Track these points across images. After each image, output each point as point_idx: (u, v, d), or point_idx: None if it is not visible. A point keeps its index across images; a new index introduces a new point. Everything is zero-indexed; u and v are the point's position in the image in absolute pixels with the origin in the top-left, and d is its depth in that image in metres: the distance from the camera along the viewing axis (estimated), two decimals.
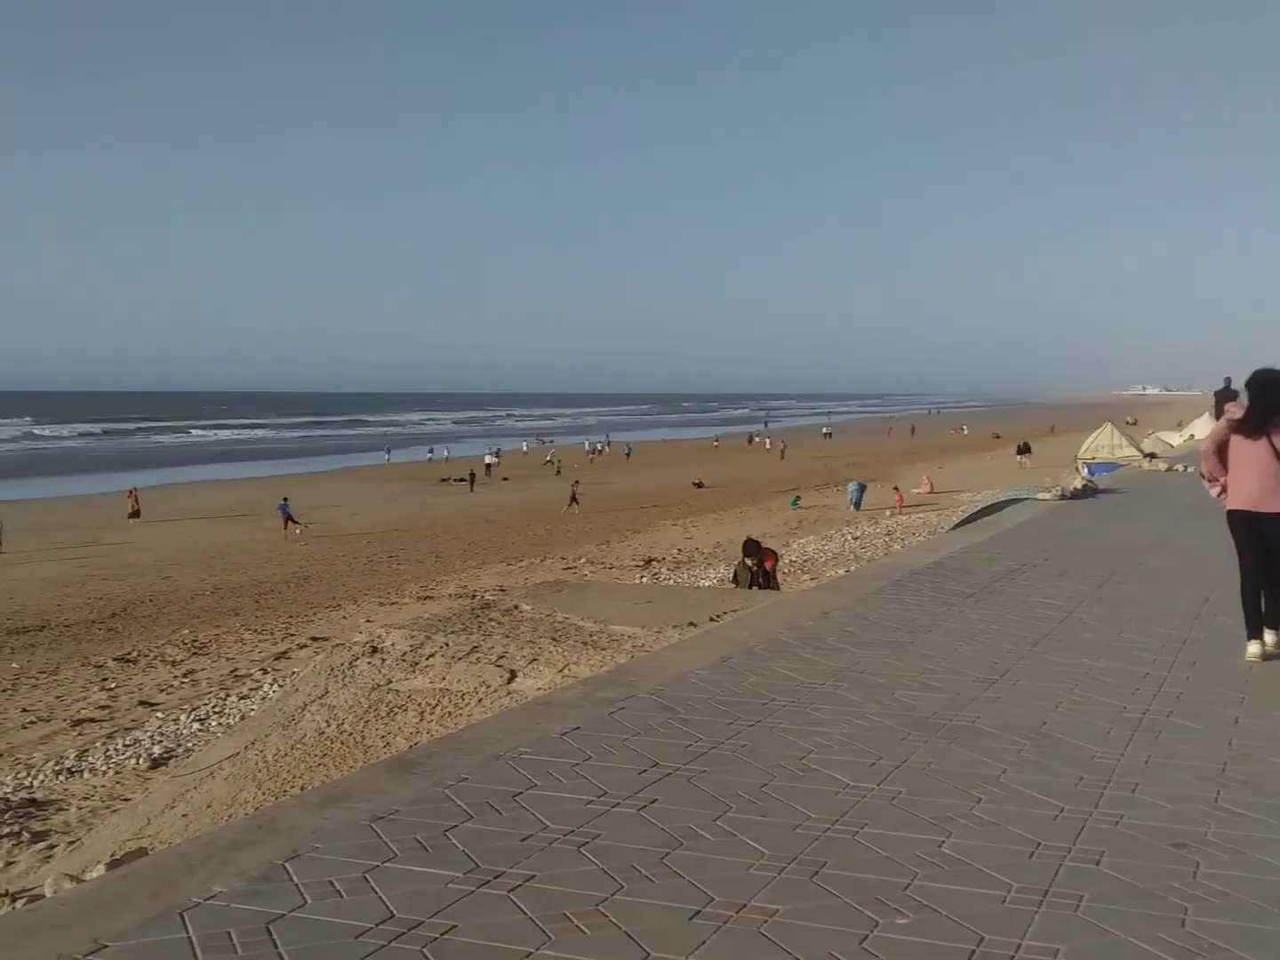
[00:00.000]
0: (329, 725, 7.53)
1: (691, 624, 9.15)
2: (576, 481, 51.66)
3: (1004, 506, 17.96)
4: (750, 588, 12.89)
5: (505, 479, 63.00)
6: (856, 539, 26.80)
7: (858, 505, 39.81)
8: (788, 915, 3.65)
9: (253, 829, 4.44)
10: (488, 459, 69.66)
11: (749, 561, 13.10)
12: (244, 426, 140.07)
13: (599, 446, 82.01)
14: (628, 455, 77.85)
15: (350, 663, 8.65)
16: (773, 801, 4.74)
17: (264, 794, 6.69)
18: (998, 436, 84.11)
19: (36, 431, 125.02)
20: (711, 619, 9.34)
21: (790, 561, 22.37)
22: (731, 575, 13.61)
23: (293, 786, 6.71)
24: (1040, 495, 18.07)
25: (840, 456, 75.84)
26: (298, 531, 39.02)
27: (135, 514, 44.45)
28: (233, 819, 6.43)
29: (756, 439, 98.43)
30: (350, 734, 7.30)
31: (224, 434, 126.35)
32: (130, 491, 46.25)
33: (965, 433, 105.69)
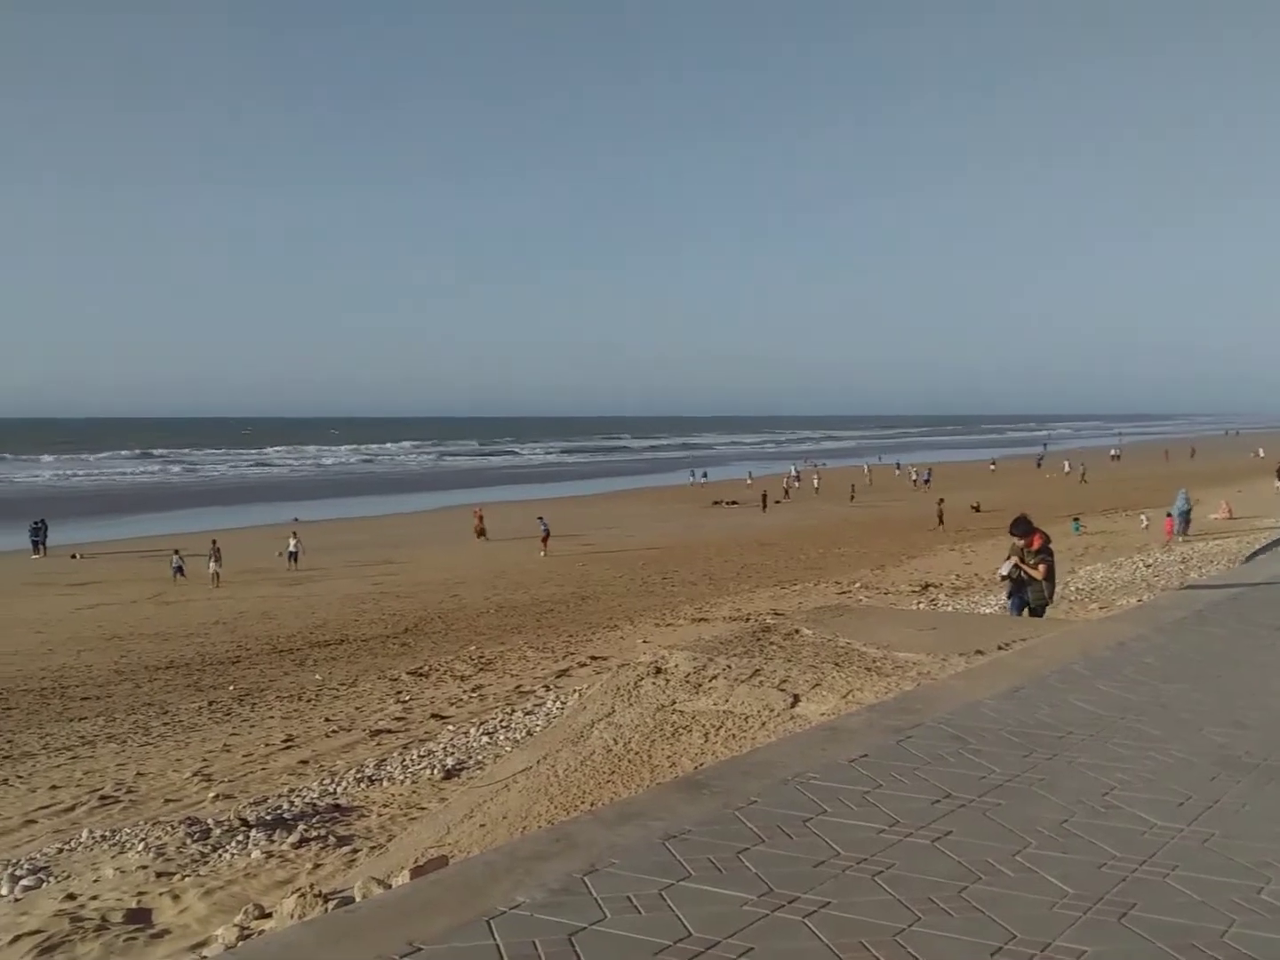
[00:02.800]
0: (616, 743, 7.68)
1: (979, 652, 8.92)
2: (941, 500, 51.05)
3: None
4: (1017, 574, 12.47)
5: (778, 501, 62.92)
6: (1149, 566, 25.55)
7: (1184, 528, 36.25)
8: (1095, 957, 3.51)
9: (551, 842, 4.57)
10: (785, 481, 70.31)
11: (1017, 541, 12.61)
12: (541, 450, 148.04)
13: (921, 472, 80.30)
14: (927, 482, 76.06)
15: (635, 683, 8.80)
16: (1074, 838, 4.57)
17: (556, 808, 6.88)
18: None
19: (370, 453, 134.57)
20: (1000, 647, 9.09)
21: (1076, 589, 21.52)
22: (1007, 555, 13.14)
23: (583, 802, 6.88)
24: None
25: (1127, 480, 72.56)
26: (541, 554, 40.34)
27: (481, 533, 46.21)
28: (529, 831, 6.62)
29: (1043, 462, 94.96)
30: (637, 752, 7.43)
31: (524, 458, 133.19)
32: (477, 513, 47.97)
33: (1263, 455, 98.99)
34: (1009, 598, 12.96)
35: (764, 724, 7.64)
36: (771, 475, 78.13)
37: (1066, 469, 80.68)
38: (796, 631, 10.54)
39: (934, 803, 4.96)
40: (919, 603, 23.88)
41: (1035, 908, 3.89)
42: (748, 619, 22.43)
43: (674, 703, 8.18)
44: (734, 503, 62.25)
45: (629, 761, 7.35)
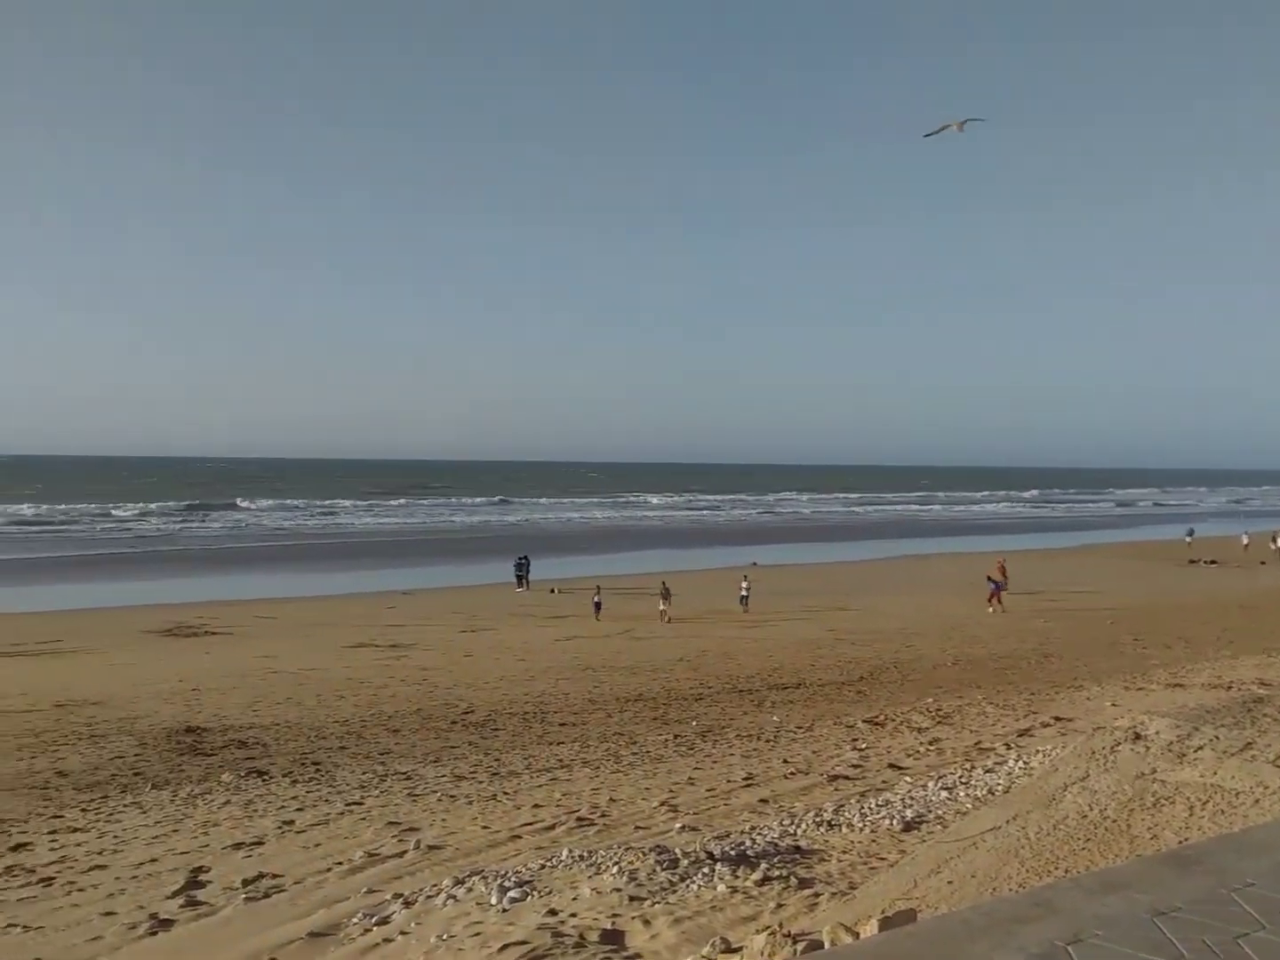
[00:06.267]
0: (1091, 809, 7.38)
1: None
2: None
3: None
4: None
5: (1263, 563, 58.12)
6: None
7: None
8: None
9: (1030, 906, 4.46)
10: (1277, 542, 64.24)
11: None
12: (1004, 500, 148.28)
13: None
14: None
15: (1111, 748, 8.43)
16: None
17: (1028, 871, 6.70)
18: None
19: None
20: None
21: None
22: None
23: (1056, 867, 6.66)
24: None
25: None
26: (990, 610, 38.91)
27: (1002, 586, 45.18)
28: (1000, 893, 6.50)
29: None
30: (1114, 821, 7.10)
31: (991, 509, 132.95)
32: (1000, 562, 46.75)
33: None
34: None
35: (1257, 801, 7.10)
36: (1262, 533, 72.16)
37: None
38: None
39: None
40: None
41: None
42: (1229, 687, 20.85)
43: (1154, 771, 7.76)
44: (1213, 562, 58.08)
45: (1105, 829, 7.03)
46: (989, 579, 40.56)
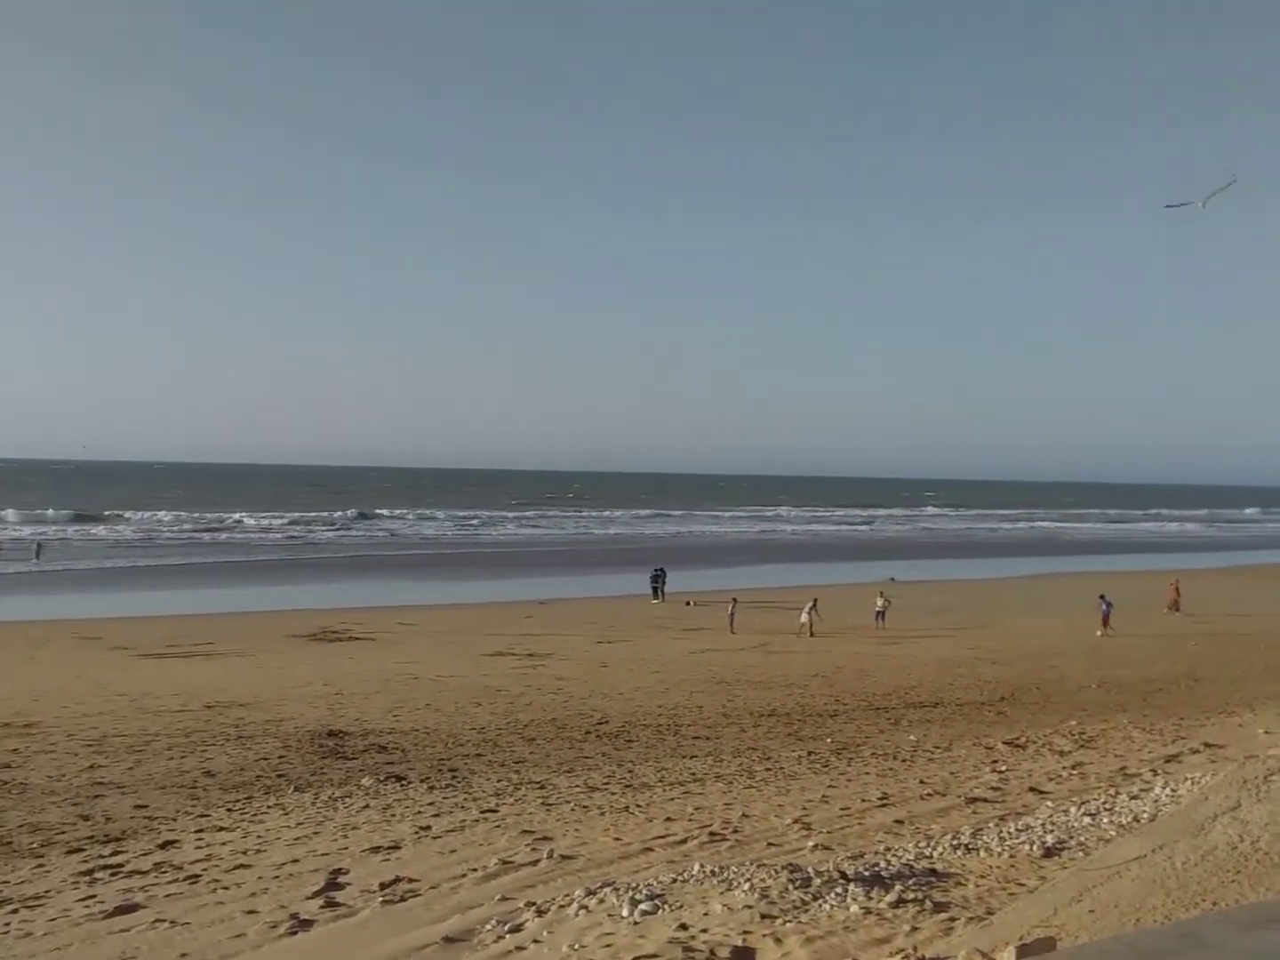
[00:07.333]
0: (1242, 841, 7.09)
1: None
2: None
3: None
4: None
5: None
6: None
7: None
8: None
9: (1175, 938, 4.28)
10: None
11: None
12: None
13: None
14: None
15: (1265, 777, 8.11)
16: None
17: (1173, 903, 6.46)
18: None
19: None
20: None
21: None
22: None
23: (1204, 900, 6.41)
24: None
25: None
26: (1097, 634, 37.68)
27: (1174, 606, 44.37)
28: (1143, 923, 6.29)
29: None
30: (1266, 853, 6.81)
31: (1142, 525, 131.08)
32: (1173, 583, 46.24)
33: None
34: None
35: None
36: None
37: None
38: None
39: None
40: None
41: None
42: None
43: None
44: None
45: (1257, 862, 6.75)
46: (1101, 597, 39.01)
